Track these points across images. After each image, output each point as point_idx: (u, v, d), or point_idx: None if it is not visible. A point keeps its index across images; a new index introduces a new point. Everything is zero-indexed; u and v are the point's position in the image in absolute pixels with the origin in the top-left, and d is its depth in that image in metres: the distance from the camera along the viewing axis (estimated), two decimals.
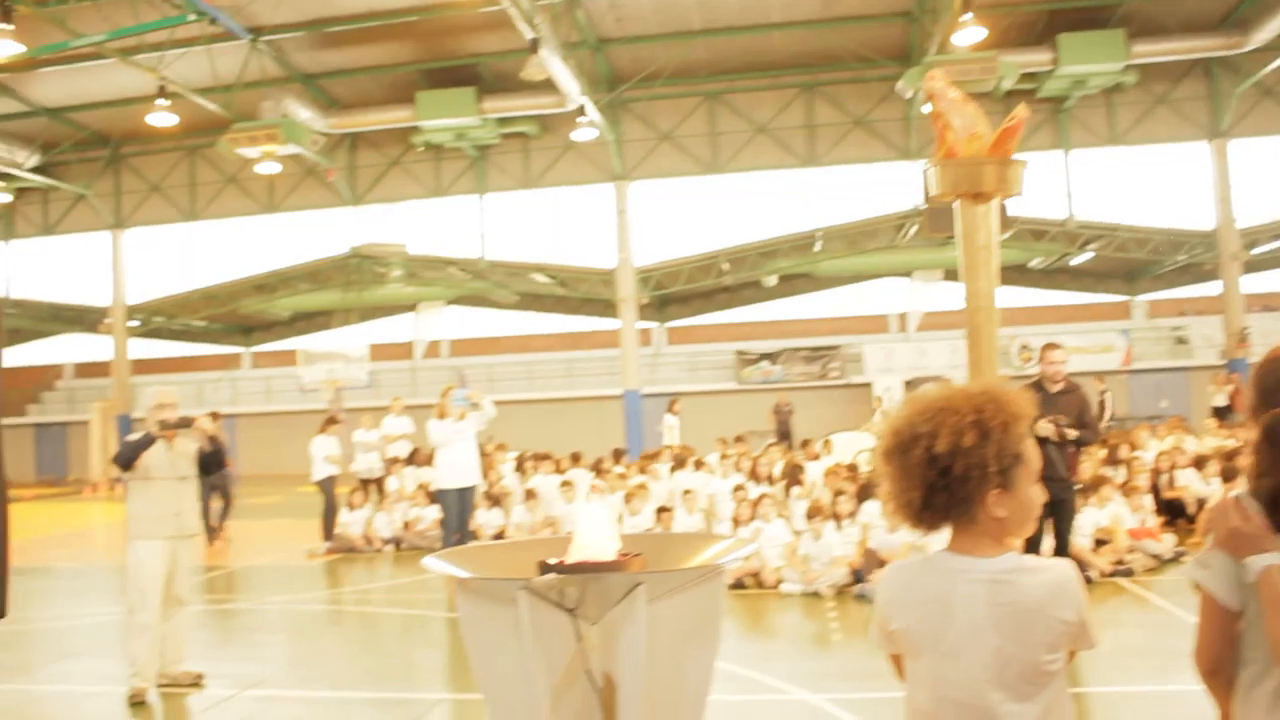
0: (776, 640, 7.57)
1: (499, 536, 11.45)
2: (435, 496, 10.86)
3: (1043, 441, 7.02)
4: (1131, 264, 25.78)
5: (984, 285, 2.12)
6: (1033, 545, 7.41)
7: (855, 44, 21.10)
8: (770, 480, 11.65)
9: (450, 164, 25.38)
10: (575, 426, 25.38)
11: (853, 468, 11.87)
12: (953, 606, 1.97)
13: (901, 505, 2.00)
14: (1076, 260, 25.41)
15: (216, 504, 13.87)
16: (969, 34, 16.87)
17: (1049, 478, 6.88)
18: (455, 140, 23.40)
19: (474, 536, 10.36)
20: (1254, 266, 23.67)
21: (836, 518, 9.20)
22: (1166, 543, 9.58)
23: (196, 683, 6.27)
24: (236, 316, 29.66)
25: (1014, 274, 26.11)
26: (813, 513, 9.22)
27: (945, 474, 1.92)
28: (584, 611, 2.32)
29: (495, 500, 12.14)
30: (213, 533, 13.64)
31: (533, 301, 28.74)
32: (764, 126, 23.66)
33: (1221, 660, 2.11)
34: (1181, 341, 26.09)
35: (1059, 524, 7.40)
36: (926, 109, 19.07)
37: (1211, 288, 24.22)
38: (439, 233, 26.63)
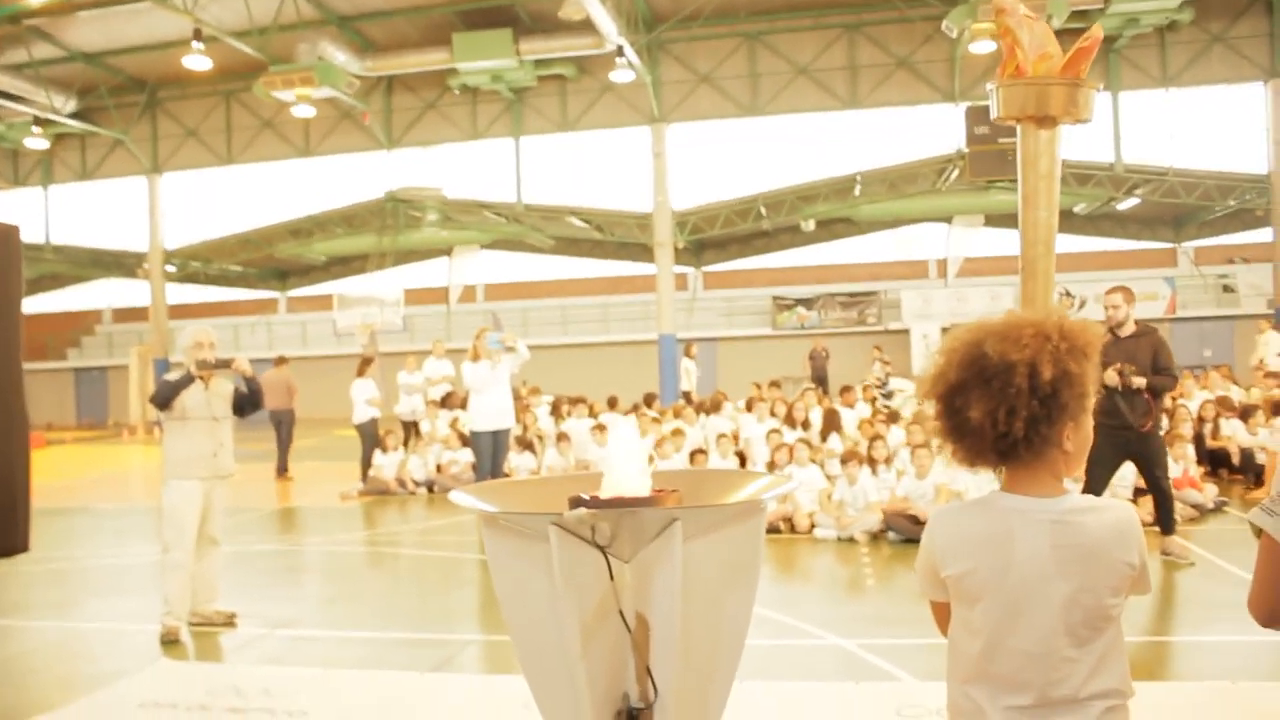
0: (810, 585, 7.48)
1: None
2: (468, 439, 10.84)
3: (1109, 390, 6.85)
4: (1179, 210, 25.18)
5: (1044, 216, 1.98)
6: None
7: None
8: (805, 425, 11.53)
9: (486, 107, 25.13)
10: (611, 372, 25.32)
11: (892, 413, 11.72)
12: (1014, 550, 1.88)
13: (993, 440, 1.85)
14: (1123, 206, 24.86)
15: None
16: None
17: (1120, 426, 6.76)
18: (491, 83, 23.10)
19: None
20: None
21: (872, 463, 9.08)
22: (1209, 493, 9.38)
23: (229, 621, 6.30)
24: (273, 261, 29.77)
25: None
26: (847, 458, 9.10)
27: (1047, 402, 1.82)
28: (617, 549, 2.18)
29: (528, 445, 12.11)
30: (281, 472, 14.37)
31: (568, 246, 28.57)
32: (805, 68, 23.19)
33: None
34: (1229, 290, 25.55)
35: (1149, 475, 7.23)
36: (977, 46, 18.93)
37: (1262, 234, 23.64)
38: (475, 177, 26.46)
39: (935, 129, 23.10)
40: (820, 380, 20.82)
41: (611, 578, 2.16)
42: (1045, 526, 1.88)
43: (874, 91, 23.01)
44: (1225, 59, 21.68)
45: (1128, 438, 6.95)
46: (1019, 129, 2.04)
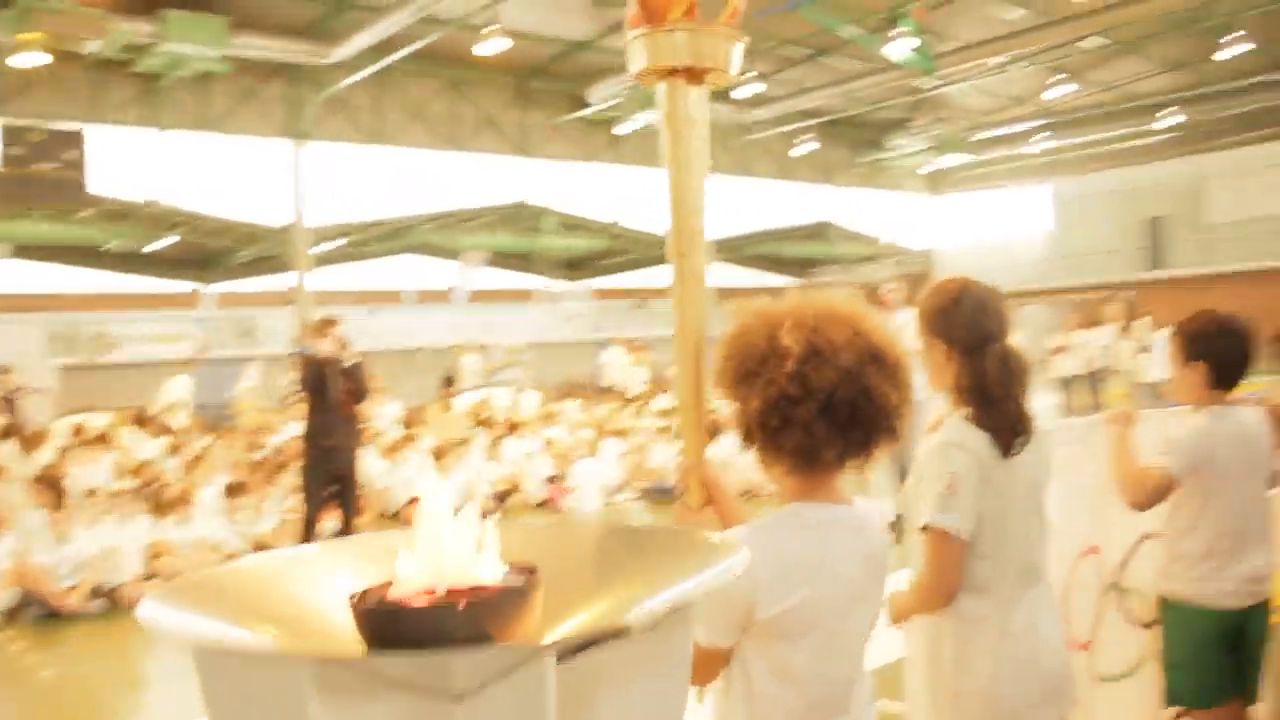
0: None
1: None
2: None
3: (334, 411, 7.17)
4: (207, 252, 25.76)
5: (698, 182, 1.85)
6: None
7: None
8: None
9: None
10: None
11: None
12: (837, 568, 1.73)
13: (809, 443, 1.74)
14: (154, 246, 24.56)
15: None
16: None
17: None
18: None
19: None
20: (321, 263, 25.39)
21: None
22: None
23: None
24: None
25: (87, 257, 24.36)
26: None
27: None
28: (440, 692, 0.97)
29: None
30: None
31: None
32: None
33: None
34: (248, 333, 26.81)
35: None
36: (20, 59, 16.96)
37: (283, 280, 25.36)
38: None
39: None
40: None
41: None
42: (854, 535, 1.78)
43: None
44: (258, 114, 22.86)
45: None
46: (664, 86, 1.80)
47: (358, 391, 7.37)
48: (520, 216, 25.43)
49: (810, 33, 22.31)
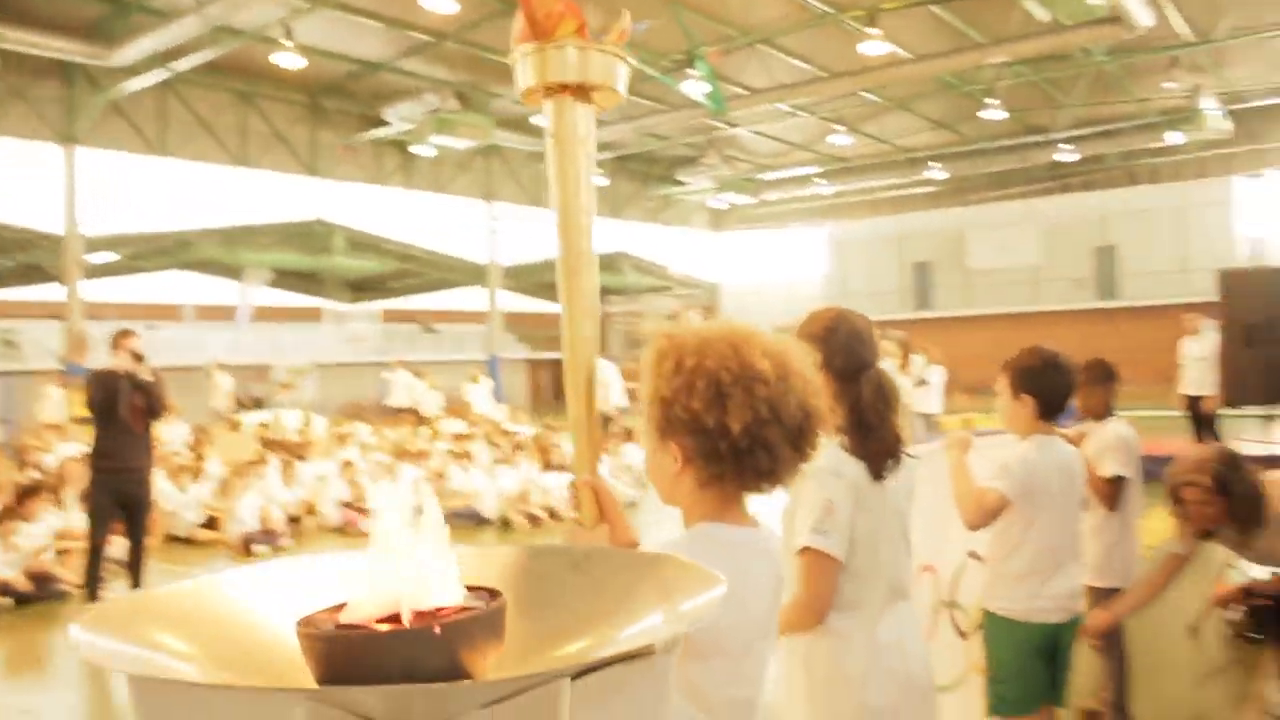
0: None
1: None
2: None
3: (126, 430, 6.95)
4: None
5: (586, 201, 1.74)
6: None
7: None
8: None
9: None
10: None
11: None
12: (748, 589, 1.67)
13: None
14: None
15: None
16: None
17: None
18: None
19: None
20: (94, 274, 24.03)
21: None
22: None
23: None
24: None
25: None
26: None
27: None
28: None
29: None
30: None
31: None
32: None
33: None
34: (11, 344, 25.06)
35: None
36: None
37: (52, 291, 23.86)
38: None
39: None
40: None
41: None
42: (762, 557, 1.74)
43: None
44: (25, 115, 21.53)
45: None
46: (552, 104, 1.77)
47: (154, 409, 7.13)
48: (310, 235, 24.86)
49: None
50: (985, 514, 3.29)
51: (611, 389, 15.52)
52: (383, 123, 25.29)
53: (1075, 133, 28.98)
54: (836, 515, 2.41)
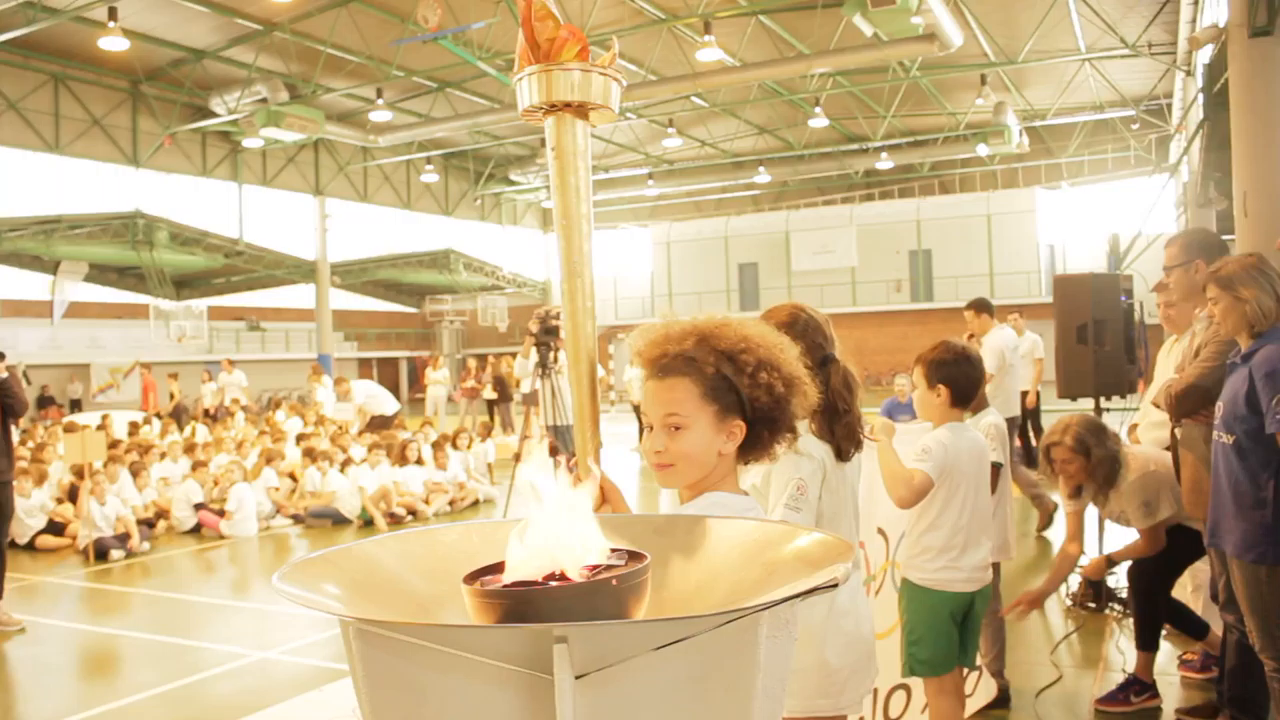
0: None
1: None
2: None
3: None
4: None
5: (587, 210, 1.96)
6: None
7: None
8: None
9: None
10: None
11: None
12: None
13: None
14: None
15: None
16: None
17: None
18: None
19: None
20: None
21: None
22: None
23: None
24: None
25: None
26: None
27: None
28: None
29: None
30: None
31: None
32: None
33: None
34: None
35: None
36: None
37: None
38: None
39: None
40: None
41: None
42: None
43: None
44: None
45: None
46: (553, 120, 1.91)
47: (14, 409, 6.82)
48: (131, 228, 23.69)
49: (439, 65, 22.71)
50: (915, 493, 3.54)
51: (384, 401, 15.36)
52: (209, 113, 24.44)
53: (892, 142, 30.59)
54: (807, 494, 2.65)
